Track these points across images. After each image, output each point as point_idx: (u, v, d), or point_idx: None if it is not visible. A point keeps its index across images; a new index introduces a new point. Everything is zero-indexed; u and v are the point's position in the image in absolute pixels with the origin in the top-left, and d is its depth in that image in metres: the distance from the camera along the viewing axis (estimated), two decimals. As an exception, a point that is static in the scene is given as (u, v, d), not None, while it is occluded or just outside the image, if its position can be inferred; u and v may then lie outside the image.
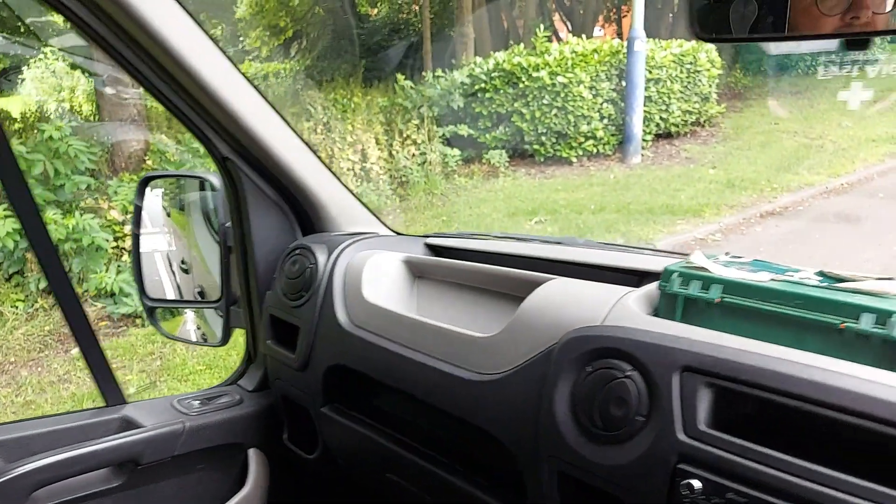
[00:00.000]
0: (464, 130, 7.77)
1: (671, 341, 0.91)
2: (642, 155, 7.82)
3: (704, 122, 8.57)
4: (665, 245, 5.44)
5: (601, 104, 7.83)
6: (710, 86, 8.47)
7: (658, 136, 8.27)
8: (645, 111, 7.92)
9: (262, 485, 1.41)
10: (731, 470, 0.81)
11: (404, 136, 7.27)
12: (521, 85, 7.69)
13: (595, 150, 7.82)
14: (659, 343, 0.91)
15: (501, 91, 7.82)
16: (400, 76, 7.76)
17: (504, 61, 7.91)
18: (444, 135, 7.65)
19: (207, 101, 1.22)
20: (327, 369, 1.28)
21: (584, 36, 8.95)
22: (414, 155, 7.18)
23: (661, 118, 8.14)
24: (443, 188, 7.12)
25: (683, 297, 1.04)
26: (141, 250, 1.64)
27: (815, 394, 0.79)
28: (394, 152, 7.12)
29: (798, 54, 12.59)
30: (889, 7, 0.81)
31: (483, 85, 7.89)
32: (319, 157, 1.49)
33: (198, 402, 1.39)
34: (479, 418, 1.06)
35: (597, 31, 13.77)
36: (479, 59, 8.35)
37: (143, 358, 4.14)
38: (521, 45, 8.51)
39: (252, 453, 1.43)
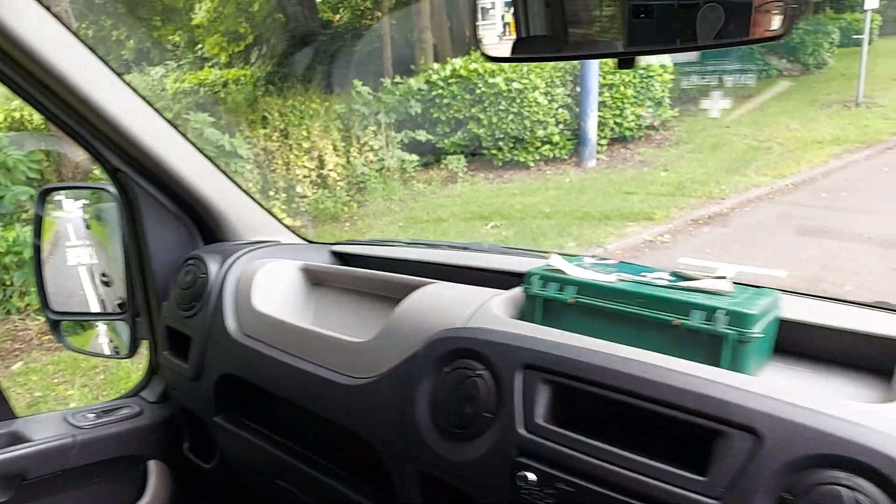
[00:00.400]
0: (422, 136, 7.81)
1: (517, 340, 0.95)
2: (597, 159, 7.96)
3: (658, 125, 8.75)
4: (615, 248, 5.55)
5: (557, 109, 7.95)
6: (663, 90, 8.65)
7: (613, 140, 8.42)
8: (599, 116, 8.06)
9: (162, 496, 1.42)
10: (563, 462, 0.85)
11: (362, 142, 7.28)
12: (477, 91, 7.77)
13: (552, 155, 7.93)
14: (506, 343, 0.95)
15: (459, 97, 7.89)
16: (357, 82, 7.77)
17: (461, 67, 7.98)
18: (402, 140, 7.68)
19: (90, 114, 1.23)
20: (218, 379, 1.30)
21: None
22: (371, 161, 7.19)
23: (615, 123, 8.29)
24: (401, 194, 7.14)
25: (543, 299, 1.08)
26: (43, 261, 1.63)
27: (635, 388, 0.84)
28: (351, 159, 7.12)
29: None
30: (777, 26, 0.86)
31: (440, 91, 7.95)
32: (219, 168, 1.51)
33: (93, 415, 1.39)
34: (353, 423, 1.09)
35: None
36: (436, 66, 8.41)
37: (87, 372, 4.07)
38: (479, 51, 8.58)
39: (152, 465, 1.43)
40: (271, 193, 6.09)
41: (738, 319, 0.91)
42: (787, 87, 10.92)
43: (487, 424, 0.92)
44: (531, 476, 0.86)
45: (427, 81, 8.10)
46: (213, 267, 1.35)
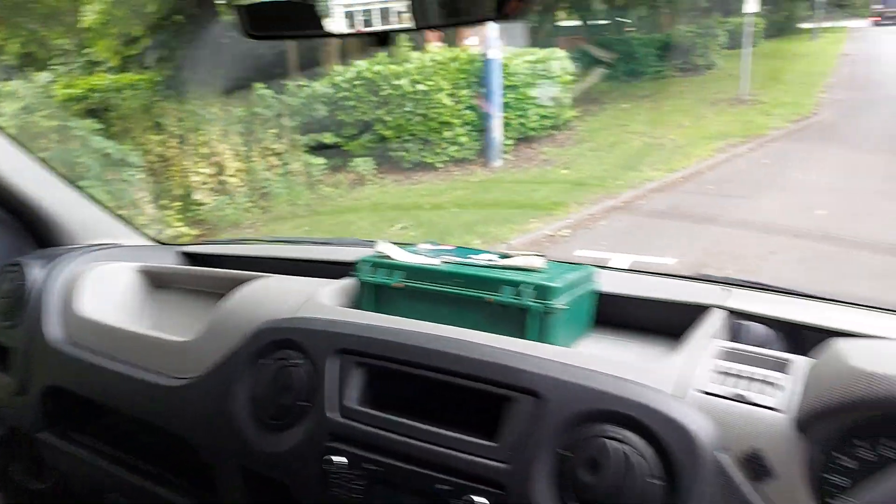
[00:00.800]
0: (329, 139, 7.72)
1: (335, 327, 0.95)
2: (504, 159, 8.13)
3: (561, 125, 9.05)
4: (518, 243, 5.68)
5: (462, 111, 8.06)
6: (564, 92, 8.95)
7: (519, 140, 8.62)
8: (504, 116, 8.23)
9: None
10: (372, 442, 0.86)
11: (264, 146, 7.11)
12: (382, 93, 7.76)
13: (459, 156, 8.03)
14: (322, 330, 0.95)
15: (364, 99, 7.85)
16: (259, 85, 7.59)
17: (365, 70, 7.95)
18: (307, 144, 7.56)
19: None
20: (44, 392, 1.23)
21: (453, 44, 9.19)
22: (275, 165, 7.03)
23: (519, 123, 8.50)
24: (307, 198, 7.02)
25: (374, 285, 1.09)
26: None
27: (438, 363, 0.86)
28: (254, 164, 6.93)
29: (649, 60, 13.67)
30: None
31: (346, 93, 7.89)
32: (54, 170, 1.42)
33: None
34: (177, 425, 1.06)
35: (472, 41, 14.17)
36: (341, 68, 8.34)
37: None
38: (386, 53, 8.57)
39: None
40: (164, 202, 5.83)
41: (543, 292, 0.95)
42: (602, 74, 11.65)
43: (303, 413, 0.91)
44: (341, 460, 0.86)
45: (332, 84, 8.02)
46: (34, 273, 1.27)
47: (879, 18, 32.15)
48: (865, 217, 5.67)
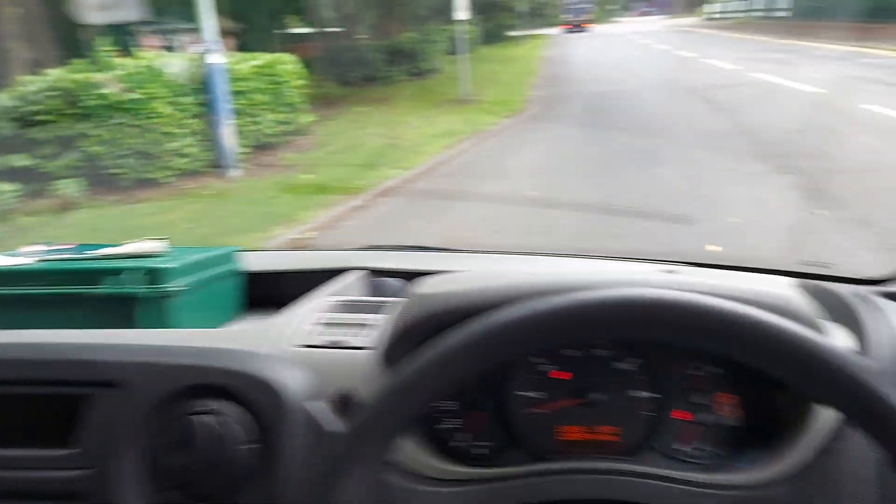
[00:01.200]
0: (21, 161, 6.56)
1: None
2: (241, 167, 7.74)
3: (299, 131, 8.93)
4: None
5: (187, 119, 7.48)
6: (297, 96, 8.85)
7: (256, 148, 8.30)
8: (237, 123, 7.84)
9: None
10: None
11: (-74, 175, 5.77)
12: (85, 104, 6.82)
13: (189, 168, 7.44)
14: None
15: (63, 112, 6.82)
16: None
17: (61, 79, 6.93)
18: (-9, 169, 6.33)
19: None
20: None
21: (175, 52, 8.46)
22: (-55, 197, 5.75)
23: (254, 130, 8.18)
24: (-2, 232, 5.86)
25: (-52, 300, 0.88)
26: None
27: (3, 374, 0.71)
28: (-87, 197, 5.58)
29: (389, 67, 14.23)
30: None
31: (38, 107, 6.77)
32: None
33: None
34: None
35: (197, 47, 13.23)
36: (29, 78, 7.16)
37: None
38: (90, 60, 7.57)
39: None
40: None
41: (156, 277, 0.85)
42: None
43: None
44: None
45: (18, 97, 6.84)
46: None
47: (570, 26, 38.59)
48: (568, 191, 6.63)
